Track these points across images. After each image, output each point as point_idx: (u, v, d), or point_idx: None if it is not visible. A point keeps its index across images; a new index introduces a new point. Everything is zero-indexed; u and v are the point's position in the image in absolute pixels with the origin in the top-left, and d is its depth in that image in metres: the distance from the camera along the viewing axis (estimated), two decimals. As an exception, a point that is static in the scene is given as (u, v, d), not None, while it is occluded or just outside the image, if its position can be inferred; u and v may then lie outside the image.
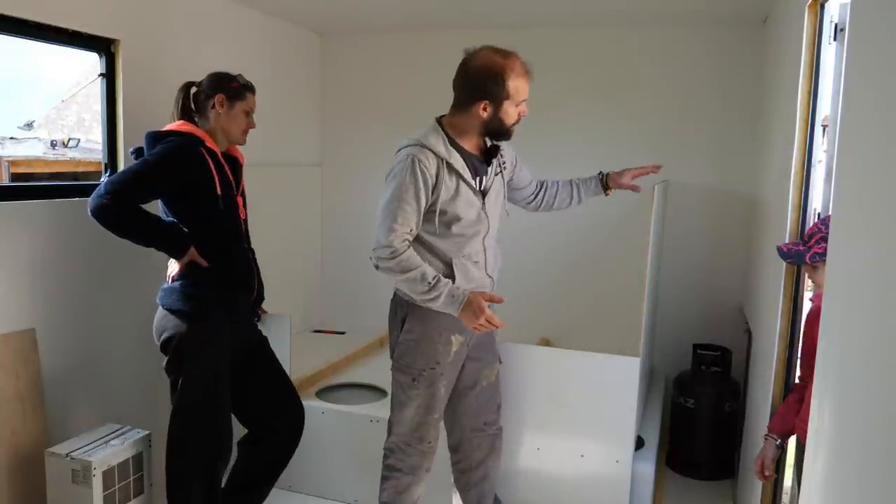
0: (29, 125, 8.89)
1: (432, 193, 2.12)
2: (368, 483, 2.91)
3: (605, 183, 2.52)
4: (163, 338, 2.36)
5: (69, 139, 8.53)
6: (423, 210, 2.12)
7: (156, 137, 2.31)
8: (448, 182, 2.14)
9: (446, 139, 2.16)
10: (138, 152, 2.38)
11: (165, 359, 2.38)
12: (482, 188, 2.24)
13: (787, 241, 2.10)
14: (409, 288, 2.14)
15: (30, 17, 2.38)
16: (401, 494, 2.36)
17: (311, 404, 3.01)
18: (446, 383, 2.29)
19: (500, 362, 2.49)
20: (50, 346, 2.52)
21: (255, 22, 3.63)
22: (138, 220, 2.23)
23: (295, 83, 4.10)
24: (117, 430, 2.51)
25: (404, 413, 2.30)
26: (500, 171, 2.32)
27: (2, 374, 2.32)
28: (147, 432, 2.53)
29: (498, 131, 2.20)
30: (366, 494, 2.92)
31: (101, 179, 2.79)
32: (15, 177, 7.88)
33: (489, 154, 2.28)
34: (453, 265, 2.19)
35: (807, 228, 2.13)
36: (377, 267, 2.14)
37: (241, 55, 3.46)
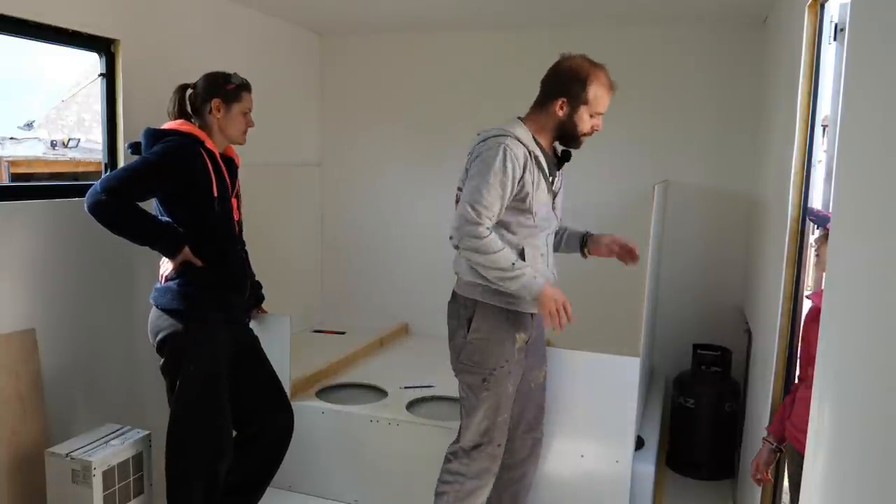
0: (29, 125, 8.89)
1: (518, 183, 2.14)
2: (368, 483, 2.91)
3: (585, 243, 2.47)
4: (158, 338, 2.36)
5: (69, 139, 8.53)
6: (507, 198, 2.13)
7: (155, 135, 2.30)
8: (534, 174, 2.17)
9: (530, 134, 2.20)
10: (135, 147, 2.38)
11: (162, 359, 2.38)
12: (554, 187, 2.28)
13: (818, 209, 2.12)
14: (489, 268, 2.10)
15: (30, 17, 2.38)
16: (462, 501, 2.30)
17: (311, 404, 3.02)
18: (514, 381, 2.27)
19: (546, 365, 2.48)
20: (50, 346, 2.52)
21: (255, 22, 3.63)
22: (134, 218, 2.22)
23: (295, 83, 4.10)
24: (117, 430, 2.51)
25: (475, 416, 2.27)
26: (561, 179, 2.36)
27: (2, 374, 2.32)
28: (147, 432, 2.53)
29: (570, 135, 2.23)
30: (366, 494, 2.92)
31: (103, 174, 2.79)
32: (15, 177, 7.88)
33: (560, 158, 2.32)
34: (525, 254, 2.19)
35: (807, 228, 2.14)
36: (457, 247, 2.12)
37: (241, 55, 3.46)
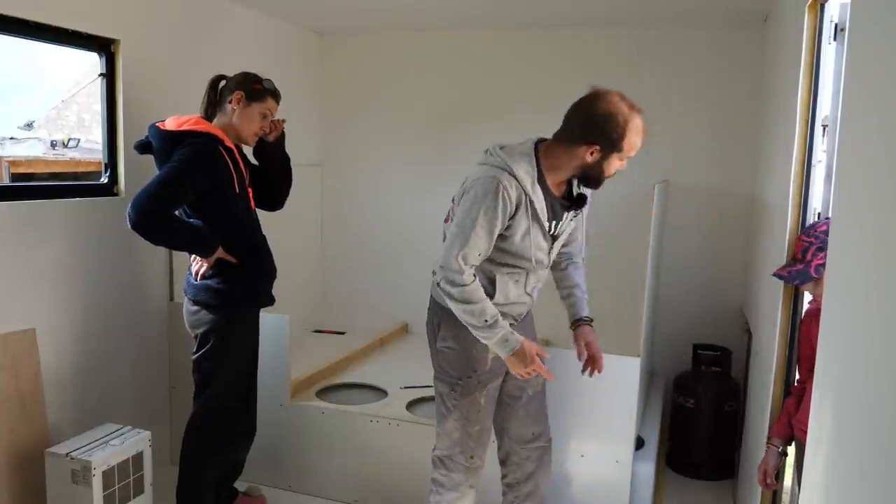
0: (29, 125, 8.90)
1: (505, 223, 2.01)
2: (368, 483, 2.91)
3: (573, 324, 2.37)
4: (201, 331, 2.43)
5: (69, 139, 8.54)
6: (495, 238, 2.02)
7: (172, 137, 2.31)
8: (523, 217, 2.03)
9: (536, 174, 2.02)
10: (144, 147, 2.40)
11: (198, 353, 2.44)
12: (553, 232, 2.12)
13: (778, 268, 2.02)
14: (464, 318, 2.03)
15: (30, 17, 2.38)
16: None
17: (311, 404, 3.02)
18: (486, 393, 2.21)
19: None
20: (50, 346, 2.52)
21: (254, 22, 3.63)
22: (174, 229, 2.28)
23: (295, 83, 4.09)
24: (117, 430, 2.51)
25: (446, 425, 2.24)
26: (576, 216, 2.21)
27: (2, 374, 2.32)
28: (147, 432, 2.53)
29: (594, 179, 2.07)
30: (366, 494, 2.92)
31: (103, 174, 2.79)
32: (15, 177, 7.88)
33: (573, 200, 2.15)
34: (496, 281, 2.12)
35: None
36: (438, 285, 2.05)
37: (241, 55, 3.45)
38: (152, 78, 2.89)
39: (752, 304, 3.16)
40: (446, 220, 2.20)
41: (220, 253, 2.36)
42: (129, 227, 2.18)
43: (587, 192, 2.19)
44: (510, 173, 1.98)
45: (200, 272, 2.40)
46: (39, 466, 2.37)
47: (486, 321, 2.00)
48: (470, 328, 2.04)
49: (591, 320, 2.37)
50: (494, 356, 2.17)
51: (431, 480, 2.33)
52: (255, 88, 2.41)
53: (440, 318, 2.21)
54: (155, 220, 2.20)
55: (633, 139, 2.01)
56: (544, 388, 2.42)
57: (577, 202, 2.16)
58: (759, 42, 3.51)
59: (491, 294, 2.11)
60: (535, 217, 2.04)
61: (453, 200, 2.15)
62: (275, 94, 2.47)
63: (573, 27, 3.81)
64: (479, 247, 1.99)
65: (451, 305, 2.04)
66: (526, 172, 2.00)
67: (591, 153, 2.01)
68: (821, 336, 1.13)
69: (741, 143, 3.59)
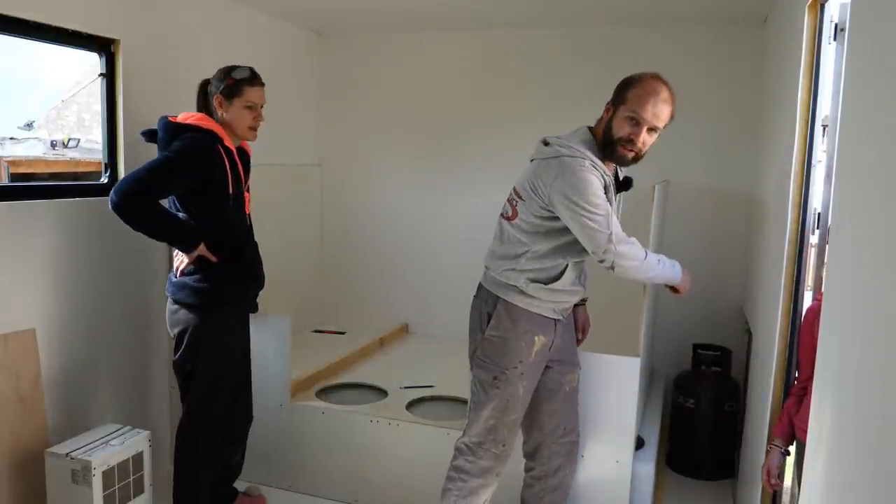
0: (29, 125, 8.90)
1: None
2: (368, 483, 2.91)
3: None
4: (177, 331, 2.40)
5: (69, 139, 8.53)
6: (611, 203, 2.12)
7: (174, 129, 2.30)
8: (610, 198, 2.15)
9: (599, 156, 2.13)
10: (150, 135, 2.39)
11: (177, 353, 2.42)
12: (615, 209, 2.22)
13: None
14: (650, 274, 2.16)
15: (30, 17, 2.38)
16: (466, 498, 2.29)
17: (311, 404, 3.02)
18: (527, 384, 2.24)
19: (580, 368, 2.46)
20: (50, 346, 2.52)
21: (254, 22, 3.63)
22: (156, 216, 2.24)
23: (294, 83, 4.10)
24: (117, 430, 2.51)
25: (481, 412, 2.25)
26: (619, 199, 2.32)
27: (2, 374, 2.32)
28: (147, 432, 2.53)
29: (607, 140, 2.14)
30: (366, 494, 2.92)
31: (103, 174, 2.79)
32: (15, 177, 7.88)
33: (620, 183, 2.28)
34: (567, 266, 2.18)
35: (807, 228, 2.13)
36: (612, 268, 2.09)
37: (241, 55, 3.43)
38: (152, 78, 2.89)
39: (752, 304, 3.16)
40: (508, 217, 2.23)
41: (201, 250, 2.33)
42: (111, 208, 2.15)
43: (630, 176, 2.33)
44: (588, 159, 2.09)
45: (180, 268, 2.38)
46: (39, 466, 2.37)
47: (658, 259, 2.15)
48: (652, 275, 2.16)
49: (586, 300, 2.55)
50: (539, 348, 2.22)
51: (453, 468, 2.32)
52: (228, 85, 2.36)
53: (492, 308, 2.22)
54: (137, 203, 2.17)
55: (638, 92, 2.11)
56: (578, 384, 2.44)
57: (623, 185, 2.29)
58: (759, 42, 3.51)
59: (556, 278, 2.17)
60: (610, 196, 2.16)
61: (517, 194, 2.19)
62: (252, 81, 2.39)
63: (573, 27, 3.81)
64: (613, 218, 2.08)
65: (634, 274, 2.11)
66: (593, 154, 2.11)
67: (607, 110, 2.16)
68: (821, 336, 1.13)
69: (741, 143, 3.59)
